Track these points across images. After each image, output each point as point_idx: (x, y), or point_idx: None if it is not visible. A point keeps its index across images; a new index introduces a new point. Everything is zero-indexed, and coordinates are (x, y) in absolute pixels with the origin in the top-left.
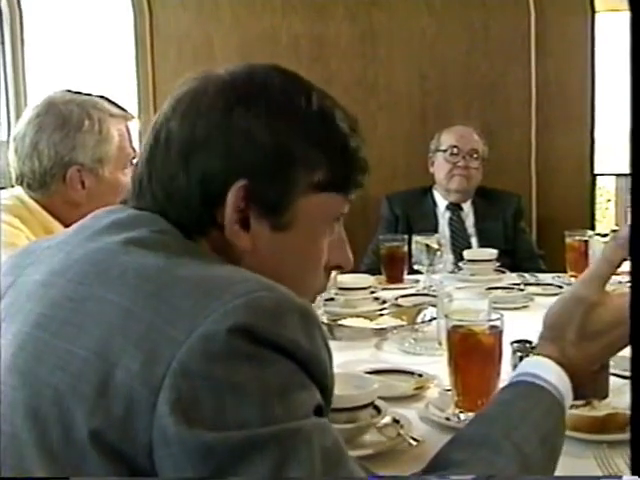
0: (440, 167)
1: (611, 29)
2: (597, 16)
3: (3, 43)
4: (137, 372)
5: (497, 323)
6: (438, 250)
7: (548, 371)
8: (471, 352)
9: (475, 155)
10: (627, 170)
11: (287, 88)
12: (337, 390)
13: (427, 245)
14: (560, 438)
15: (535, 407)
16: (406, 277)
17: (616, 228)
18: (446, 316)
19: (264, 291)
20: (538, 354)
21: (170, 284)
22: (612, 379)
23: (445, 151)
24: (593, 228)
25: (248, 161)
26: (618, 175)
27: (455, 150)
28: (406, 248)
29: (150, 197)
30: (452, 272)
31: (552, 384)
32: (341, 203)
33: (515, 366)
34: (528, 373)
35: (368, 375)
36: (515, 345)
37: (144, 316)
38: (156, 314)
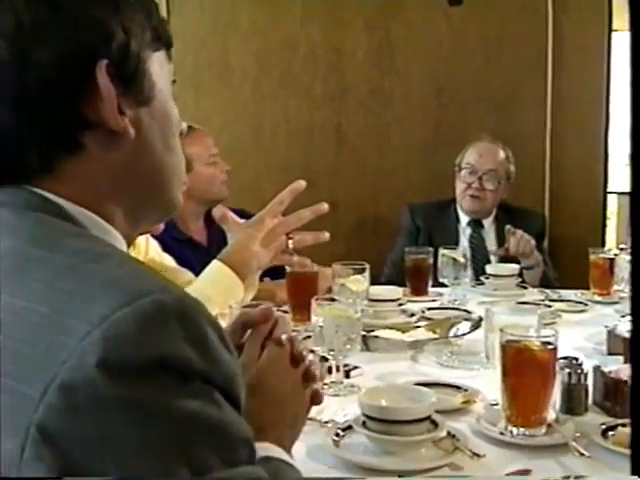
0: (457, 185)
1: (628, 48)
2: (614, 34)
3: None
4: None
5: (552, 339)
6: (464, 264)
7: None
8: (527, 367)
9: (493, 176)
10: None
11: None
12: (391, 402)
13: (454, 259)
14: None
15: None
16: (430, 289)
17: (623, 246)
18: (501, 330)
19: (124, 308)
20: None
21: (14, 328)
22: None
23: (462, 169)
24: (603, 246)
25: (96, 41)
26: (620, 193)
27: (471, 170)
28: (431, 260)
29: None
30: (474, 286)
31: None
32: (168, 60)
33: (563, 382)
34: None
35: (423, 388)
36: (562, 362)
37: None
38: (4, 375)
